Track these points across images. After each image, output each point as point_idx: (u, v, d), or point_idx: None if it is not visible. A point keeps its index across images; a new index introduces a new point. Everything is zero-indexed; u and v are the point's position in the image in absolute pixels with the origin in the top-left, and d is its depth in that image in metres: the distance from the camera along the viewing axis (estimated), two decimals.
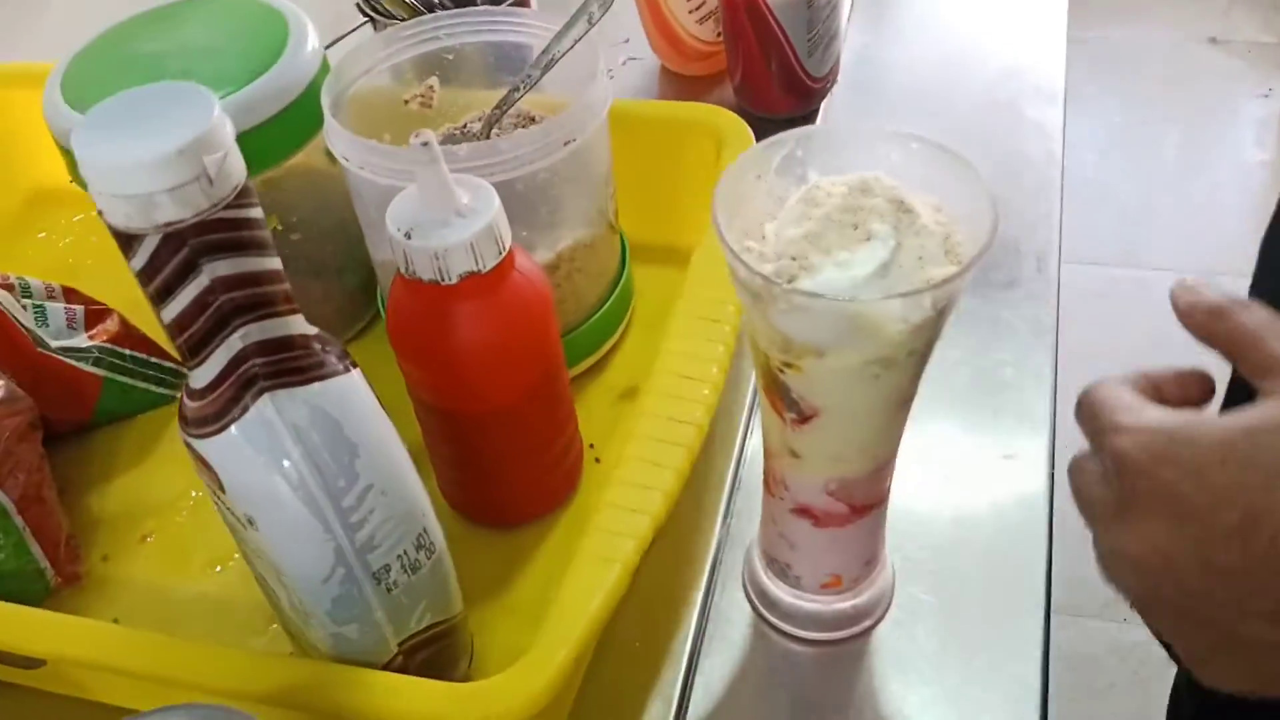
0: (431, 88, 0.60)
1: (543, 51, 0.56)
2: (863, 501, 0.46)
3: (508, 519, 0.53)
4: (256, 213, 0.35)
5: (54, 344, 0.58)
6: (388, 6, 0.66)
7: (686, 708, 0.48)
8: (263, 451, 0.37)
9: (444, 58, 0.60)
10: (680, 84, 0.80)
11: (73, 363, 0.58)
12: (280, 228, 0.57)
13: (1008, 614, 0.50)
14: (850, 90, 0.80)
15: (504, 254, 0.45)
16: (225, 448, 0.37)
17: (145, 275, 0.34)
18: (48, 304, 0.59)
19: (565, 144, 0.51)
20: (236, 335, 0.35)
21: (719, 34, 0.77)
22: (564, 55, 0.56)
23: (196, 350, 0.36)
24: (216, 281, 0.34)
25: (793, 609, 0.50)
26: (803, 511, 0.46)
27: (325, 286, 0.61)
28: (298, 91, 0.54)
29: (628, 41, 0.83)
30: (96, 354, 0.59)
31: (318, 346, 0.38)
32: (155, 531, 0.56)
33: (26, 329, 0.56)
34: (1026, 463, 0.56)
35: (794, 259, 0.38)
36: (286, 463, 0.37)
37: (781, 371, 0.40)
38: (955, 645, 0.49)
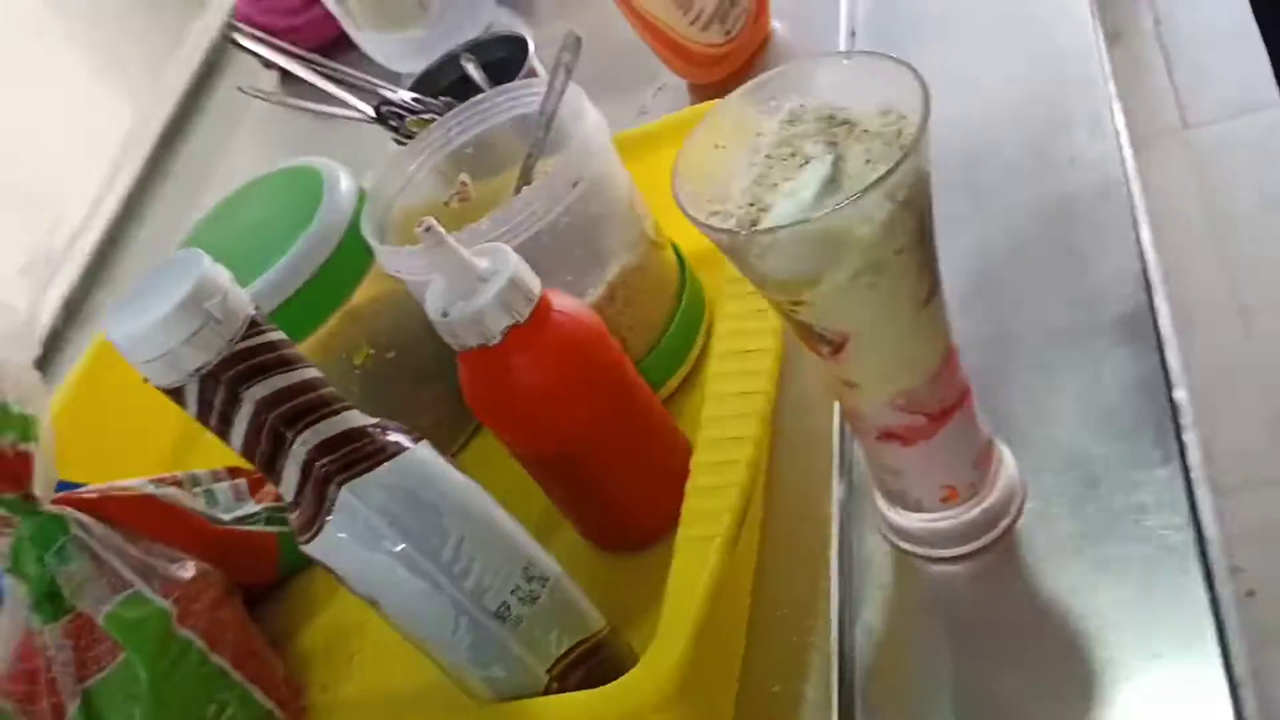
0: (464, 183, 0.65)
1: (539, 113, 0.60)
2: (938, 408, 0.46)
3: (640, 541, 0.55)
4: (275, 336, 0.39)
5: (227, 517, 0.64)
6: (414, 129, 0.72)
7: (851, 659, 0.49)
8: (358, 538, 0.41)
9: (465, 152, 0.64)
10: (708, 93, 0.83)
11: (248, 529, 0.65)
12: (372, 351, 0.63)
13: (1144, 472, 0.49)
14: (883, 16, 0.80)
15: (536, 300, 0.49)
16: (327, 545, 0.41)
17: (202, 418, 0.39)
18: (214, 486, 0.66)
19: (573, 185, 0.55)
20: (298, 444, 0.40)
21: (727, 33, 0.79)
22: (556, 109, 0.60)
23: (271, 467, 0.40)
24: (259, 404, 0.39)
25: (926, 532, 0.50)
26: (887, 436, 0.47)
27: (432, 391, 0.66)
28: (341, 231, 0.60)
29: (655, 80, 0.87)
30: (267, 515, 0.66)
31: (377, 432, 0.42)
32: (360, 649, 0.62)
33: (199, 513, 0.64)
34: (1125, 318, 0.55)
35: (751, 205, 0.39)
36: (381, 541, 0.41)
37: (794, 311, 0.42)
38: (1098, 516, 0.49)
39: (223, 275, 0.38)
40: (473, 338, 0.48)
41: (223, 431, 0.39)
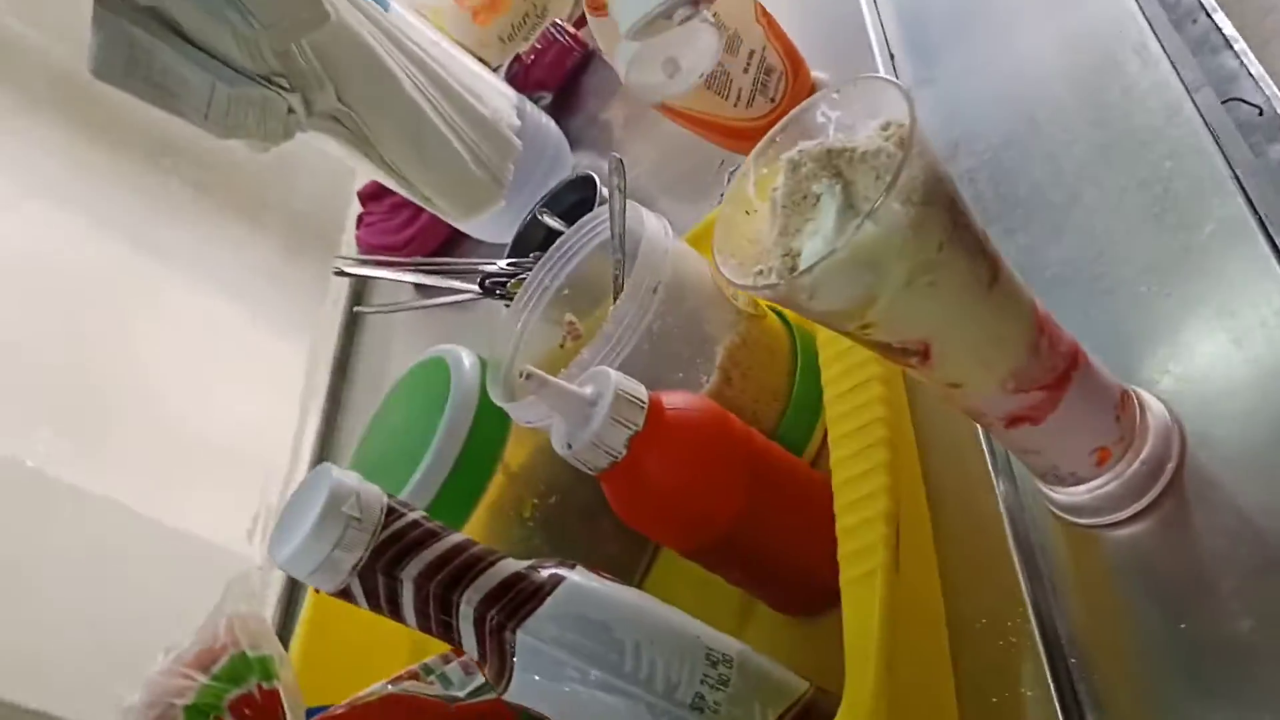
0: (571, 322, 0.69)
1: (610, 237, 0.64)
2: (1052, 377, 0.46)
3: (825, 599, 0.56)
4: (414, 515, 0.43)
5: (462, 694, 0.68)
6: (515, 291, 0.76)
7: (1061, 649, 0.48)
8: (545, 674, 0.44)
9: (563, 294, 0.68)
10: None
11: (483, 699, 0.68)
12: (536, 501, 0.66)
13: None
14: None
15: (646, 405, 0.51)
16: (520, 689, 0.44)
17: (373, 608, 0.42)
18: (444, 669, 0.70)
19: (654, 291, 0.58)
20: (464, 604, 0.43)
21: (771, 100, 0.82)
22: (624, 227, 0.63)
23: (448, 633, 0.44)
24: (418, 579, 0.42)
25: (1095, 501, 0.49)
26: (1015, 421, 0.47)
27: (609, 520, 0.68)
28: (473, 406, 0.64)
29: (723, 163, 0.90)
30: None
31: (533, 572, 0.45)
32: None
33: (437, 696, 0.68)
34: (1223, 225, 0.53)
35: (785, 255, 0.41)
36: (565, 670, 0.43)
37: (868, 334, 0.43)
38: (1265, 429, 0.47)
39: (351, 478, 0.42)
40: (601, 459, 0.51)
41: (395, 614, 0.43)
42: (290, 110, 0.80)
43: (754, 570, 0.55)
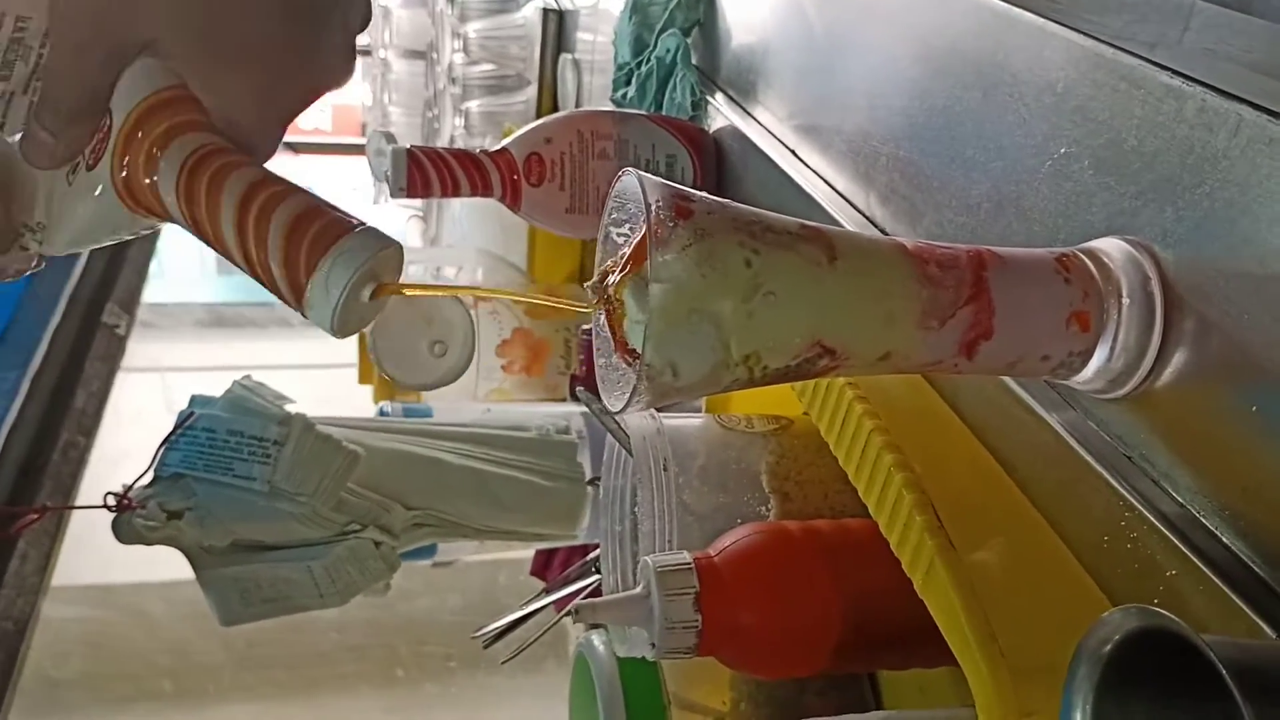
0: None
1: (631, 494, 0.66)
2: (966, 291, 0.44)
3: None
4: None
5: None
6: None
7: (1188, 519, 0.44)
8: None
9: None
10: None
11: None
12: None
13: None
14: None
15: (692, 565, 0.51)
16: None
17: None
18: None
19: (665, 469, 0.59)
20: None
21: None
22: (625, 434, 0.65)
23: None
24: None
25: (1120, 359, 0.46)
26: (969, 348, 0.45)
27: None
28: (619, 693, 0.64)
29: None
30: None
31: None
32: None
33: None
34: None
35: (633, 362, 0.43)
36: None
37: (766, 368, 0.43)
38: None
39: None
40: (686, 638, 0.51)
41: None
42: (377, 544, 0.86)
43: (900, 644, 0.52)
